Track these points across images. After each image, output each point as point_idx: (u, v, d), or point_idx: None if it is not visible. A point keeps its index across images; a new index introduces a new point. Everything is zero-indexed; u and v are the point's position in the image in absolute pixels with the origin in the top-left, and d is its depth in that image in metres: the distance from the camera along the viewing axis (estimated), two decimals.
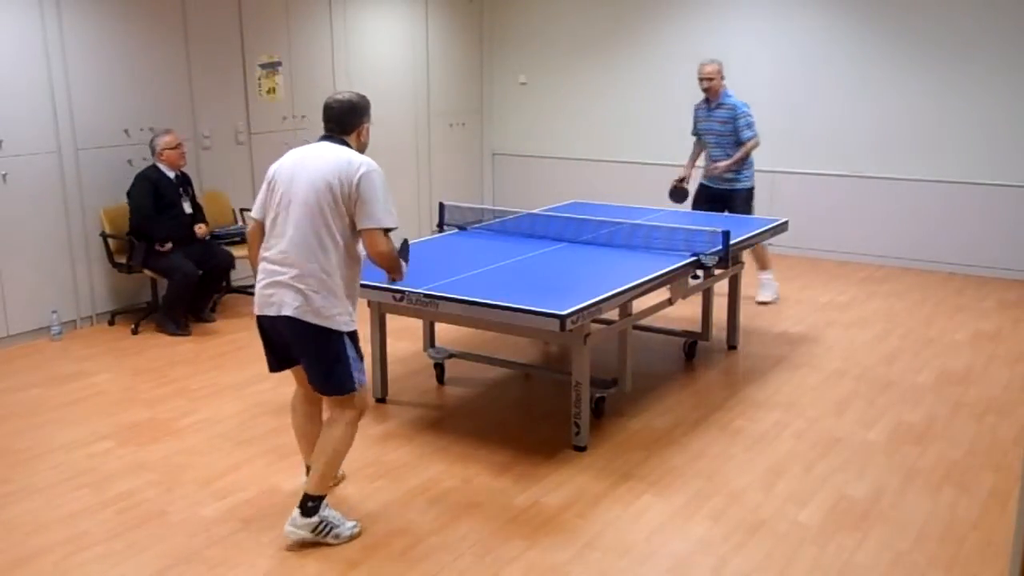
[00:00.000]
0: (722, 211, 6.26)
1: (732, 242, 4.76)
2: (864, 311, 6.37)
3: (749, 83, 8.03)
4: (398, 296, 4.05)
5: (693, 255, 4.65)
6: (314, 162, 3.27)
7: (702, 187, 6.50)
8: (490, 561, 3.27)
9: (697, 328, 5.59)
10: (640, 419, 4.51)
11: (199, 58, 6.57)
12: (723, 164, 6.24)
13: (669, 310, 4.92)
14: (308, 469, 3.59)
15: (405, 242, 3.66)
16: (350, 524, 3.45)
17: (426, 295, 3.96)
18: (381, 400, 4.70)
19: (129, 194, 5.91)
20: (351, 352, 3.33)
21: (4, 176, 5.60)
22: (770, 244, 6.52)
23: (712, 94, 6.33)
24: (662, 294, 4.64)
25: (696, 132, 6.59)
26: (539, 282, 4.31)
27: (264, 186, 3.40)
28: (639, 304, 4.55)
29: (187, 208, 6.07)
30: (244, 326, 6.06)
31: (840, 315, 6.27)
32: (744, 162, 6.25)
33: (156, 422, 4.53)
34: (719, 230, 4.75)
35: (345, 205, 3.22)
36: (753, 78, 7.99)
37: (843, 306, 6.49)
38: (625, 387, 4.60)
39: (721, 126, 6.29)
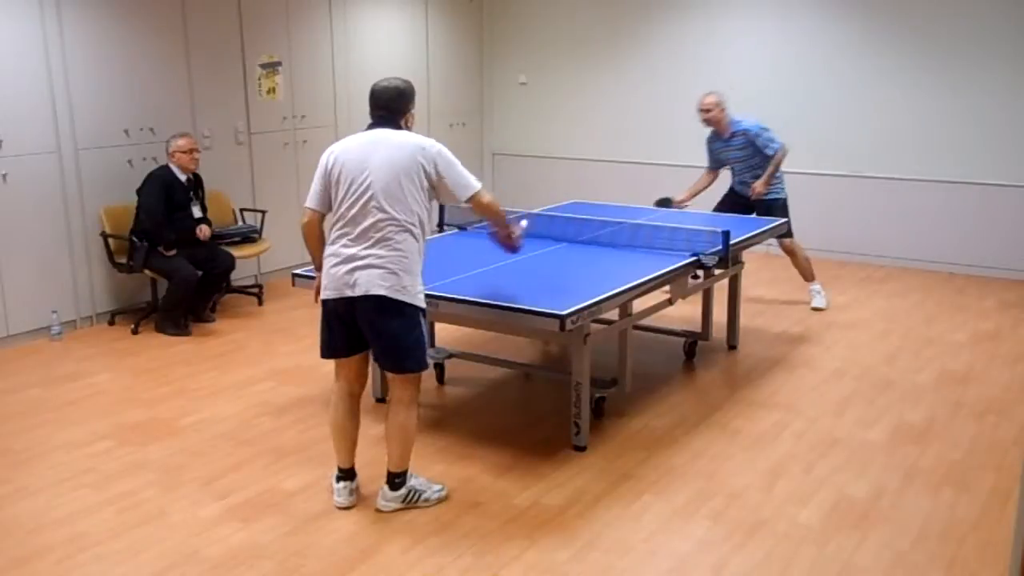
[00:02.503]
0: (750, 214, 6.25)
1: (732, 242, 4.76)
2: (864, 311, 6.37)
3: (749, 83, 8.04)
4: None
5: (693, 255, 4.65)
6: (387, 148, 3.38)
7: (735, 194, 6.38)
8: (490, 561, 3.27)
9: (697, 328, 5.59)
10: (640, 419, 4.52)
11: (199, 58, 6.57)
12: (760, 184, 6.12)
13: (669, 310, 4.92)
14: (342, 471, 3.65)
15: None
16: (436, 488, 3.67)
17: (426, 295, 3.95)
18: (381, 400, 4.69)
19: (139, 192, 5.91)
20: (423, 331, 3.48)
21: (4, 176, 5.60)
22: (770, 245, 6.52)
23: (718, 126, 6.19)
24: (662, 294, 4.64)
25: (714, 165, 6.42)
26: (539, 282, 4.31)
27: (320, 177, 3.47)
28: (639, 304, 4.55)
29: (196, 212, 6.07)
30: (244, 326, 6.07)
31: (840, 315, 6.27)
32: (775, 174, 6.18)
33: (156, 422, 4.53)
34: (719, 230, 4.75)
35: (428, 184, 3.40)
36: (752, 78, 7.99)
37: (843, 306, 6.49)
38: (625, 387, 4.60)
39: (742, 152, 6.19)
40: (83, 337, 5.92)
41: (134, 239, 5.89)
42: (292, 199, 7.34)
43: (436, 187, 3.44)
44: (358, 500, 3.67)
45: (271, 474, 3.94)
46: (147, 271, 5.96)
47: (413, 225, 3.37)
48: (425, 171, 3.38)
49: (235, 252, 6.25)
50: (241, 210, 6.83)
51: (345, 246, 3.38)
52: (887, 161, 7.55)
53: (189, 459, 4.11)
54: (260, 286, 6.86)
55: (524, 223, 3.73)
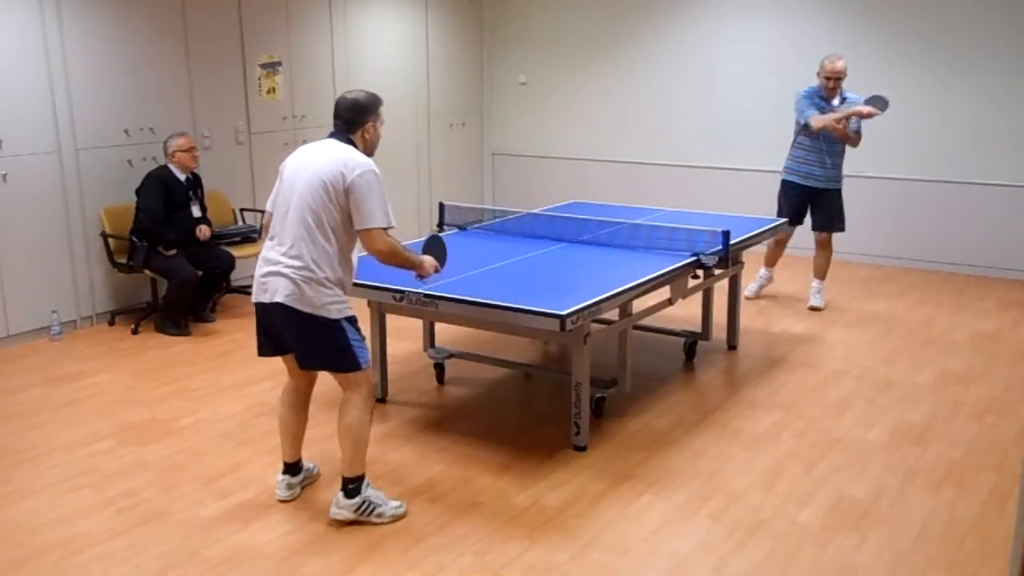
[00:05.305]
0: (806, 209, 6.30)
1: (732, 242, 4.77)
2: (864, 311, 6.37)
3: (749, 83, 8.05)
4: (398, 296, 4.05)
5: (693, 255, 4.65)
6: (315, 161, 3.38)
7: (799, 187, 6.32)
8: (490, 561, 3.27)
9: (697, 328, 5.59)
10: (640, 419, 4.52)
11: (199, 58, 6.57)
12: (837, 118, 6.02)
13: (669, 310, 4.92)
14: (285, 466, 3.73)
15: (435, 237, 3.80)
16: (394, 504, 3.56)
17: (426, 295, 3.96)
18: (381, 400, 4.70)
19: (138, 192, 5.91)
20: (352, 335, 3.42)
21: (4, 176, 5.60)
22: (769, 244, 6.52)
23: (837, 92, 6.18)
24: (662, 294, 4.64)
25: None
26: (539, 282, 4.31)
27: (277, 181, 3.54)
28: (639, 304, 4.55)
29: (196, 212, 6.07)
30: (244, 326, 6.06)
31: (840, 315, 6.27)
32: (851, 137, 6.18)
33: (156, 422, 4.53)
34: (719, 230, 4.76)
35: (337, 203, 3.32)
36: (752, 78, 8.00)
37: (843, 306, 6.49)
38: (625, 387, 4.60)
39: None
40: (83, 337, 5.92)
41: (134, 239, 5.89)
42: None
43: (343, 205, 3.33)
44: (298, 495, 3.74)
45: (271, 474, 3.93)
46: (147, 271, 5.96)
47: (323, 234, 3.31)
48: (335, 185, 3.29)
49: (235, 252, 6.25)
50: (241, 210, 6.82)
51: (268, 250, 3.41)
52: (887, 161, 7.55)
53: (189, 459, 4.11)
54: None
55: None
